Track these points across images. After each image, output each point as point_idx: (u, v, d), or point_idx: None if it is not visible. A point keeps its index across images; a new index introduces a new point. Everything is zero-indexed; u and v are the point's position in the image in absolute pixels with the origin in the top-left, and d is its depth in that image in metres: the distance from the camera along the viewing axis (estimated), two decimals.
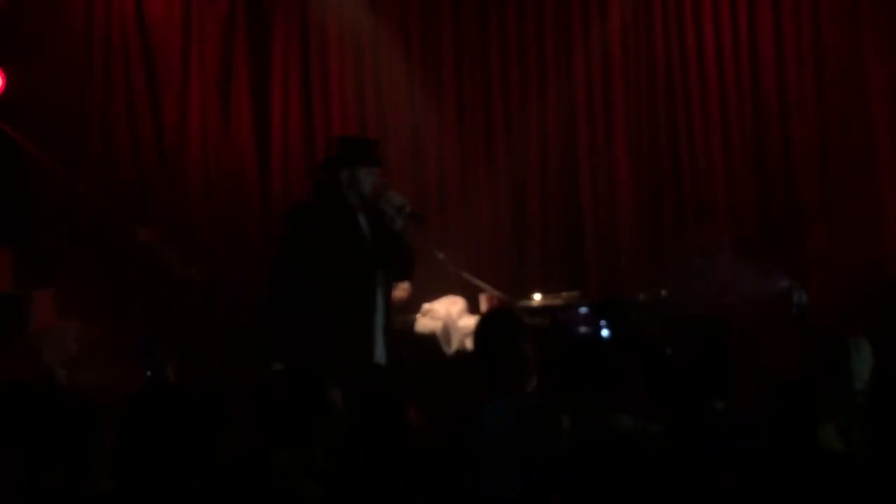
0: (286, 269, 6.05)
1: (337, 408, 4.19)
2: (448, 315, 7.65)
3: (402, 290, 8.12)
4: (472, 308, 7.80)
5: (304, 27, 9.28)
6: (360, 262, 6.02)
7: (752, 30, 9.00)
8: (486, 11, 9.26)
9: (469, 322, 7.61)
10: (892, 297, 7.97)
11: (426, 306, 7.77)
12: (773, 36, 8.96)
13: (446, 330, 7.54)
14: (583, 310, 6.32)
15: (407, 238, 6.12)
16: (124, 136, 9.02)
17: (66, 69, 8.95)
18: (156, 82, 9.11)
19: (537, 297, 7.81)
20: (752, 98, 9.00)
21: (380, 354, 6.01)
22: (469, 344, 7.46)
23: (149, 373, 5.23)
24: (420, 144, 9.27)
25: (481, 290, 7.87)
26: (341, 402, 4.21)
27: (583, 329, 6.46)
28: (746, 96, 9.00)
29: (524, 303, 7.77)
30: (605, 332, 5.92)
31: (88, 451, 3.56)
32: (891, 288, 8.09)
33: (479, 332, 4.64)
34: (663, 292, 7.75)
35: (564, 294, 7.76)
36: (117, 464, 3.61)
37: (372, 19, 9.24)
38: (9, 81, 8.49)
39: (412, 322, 7.68)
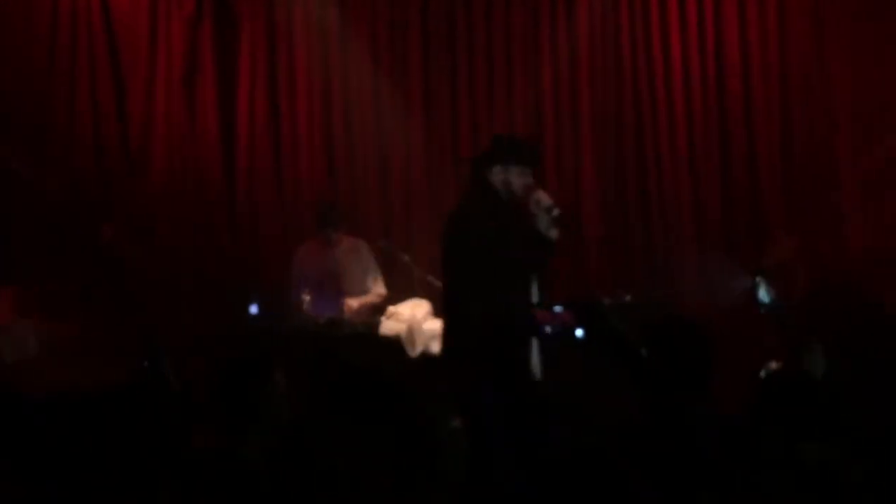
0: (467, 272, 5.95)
1: (281, 390, 4.19)
2: (413, 318, 7.63)
3: (382, 293, 8.15)
4: (437, 311, 7.77)
5: (270, 26, 9.27)
6: (516, 262, 5.93)
7: (718, 34, 9.04)
8: (454, 9, 9.26)
9: (434, 325, 7.58)
10: (849, 304, 8.04)
11: (391, 309, 7.75)
12: (738, 41, 9.01)
13: (411, 333, 7.52)
14: (557, 309, 6.31)
15: (551, 240, 6.03)
16: (89, 134, 8.99)
17: (31, 68, 8.90)
18: (121, 80, 9.08)
19: None
20: (717, 101, 9.05)
21: (535, 357, 5.91)
22: (434, 347, 7.45)
23: (147, 365, 5.17)
24: (386, 144, 9.26)
25: None
26: (285, 385, 4.20)
27: (558, 328, 6.45)
28: (712, 98, 9.04)
29: None
30: (579, 332, 5.95)
31: None
32: (849, 295, 8.16)
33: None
34: (627, 297, 7.76)
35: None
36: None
37: (339, 18, 9.23)
38: None
39: (377, 324, 7.66)
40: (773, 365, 5.65)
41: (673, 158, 9.09)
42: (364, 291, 8.11)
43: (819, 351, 5.06)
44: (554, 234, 5.86)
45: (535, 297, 5.91)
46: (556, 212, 5.90)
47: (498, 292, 5.65)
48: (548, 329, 6.26)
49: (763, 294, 6.86)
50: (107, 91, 9.04)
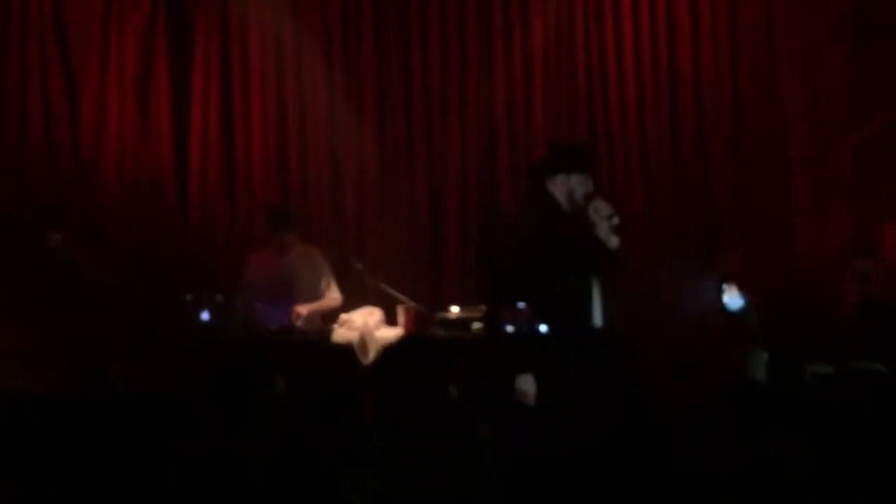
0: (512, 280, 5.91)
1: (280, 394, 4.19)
2: (365, 326, 7.60)
3: (335, 299, 8.13)
4: (390, 319, 7.77)
5: (225, 32, 9.26)
6: (576, 269, 5.90)
7: (671, 47, 9.08)
8: (408, 16, 9.26)
9: (386, 333, 7.57)
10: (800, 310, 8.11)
11: (343, 317, 7.72)
12: (691, 55, 9.06)
13: (363, 341, 7.49)
14: (521, 305, 6.31)
15: (611, 247, 5.99)
16: (40, 139, 8.91)
17: None
18: (73, 85, 9.01)
19: (455, 309, 7.80)
20: (669, 112, 9.08)
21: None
22: None
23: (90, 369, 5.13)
24: (340, 151, 9.25)
25: (399, 302, 7.85)
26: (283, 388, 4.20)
27: (521, 325, 6.44)
28: (664, 111, 9.08)
29: (442, 315, 7.76)
30: (542, 328, 5.93)
31: None
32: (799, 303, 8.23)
33: None
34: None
35: (483, 307, 7.75)
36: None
37: (293, 25, 9.22)
38: None
39: (329, 332, 7.63)
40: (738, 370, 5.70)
41: (626, 168, 9.11)
42: (317, 298, 8.10)
43: (761, 357, 5.10)
44: (614, 241, 5.88)
45: (598, 307, 5.90)
46: (615, 220, 5.92)
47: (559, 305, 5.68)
48: (509, 328, 6.26)
49: (730, 300, 6.84)
50: (59, 94, 8.98)
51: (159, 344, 7.41)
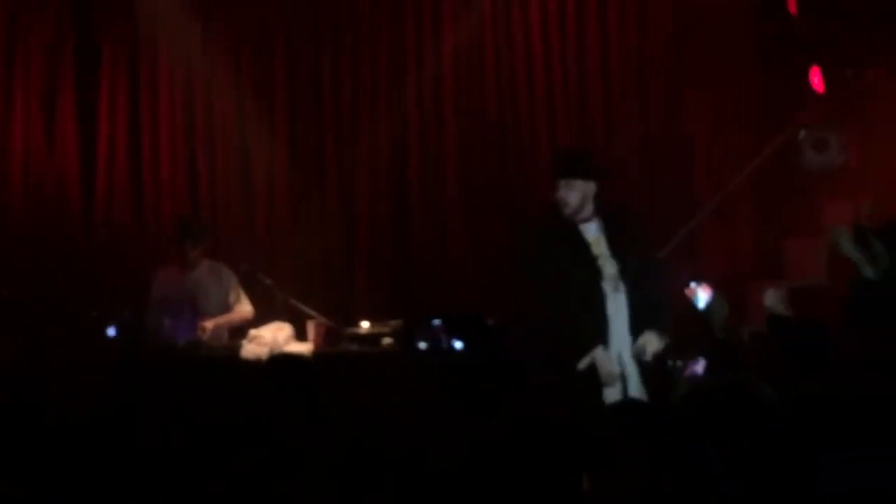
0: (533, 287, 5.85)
1: None
2: (274, 341, 7.54)
3: (245, 312, 8.07)
4: (299, 335, 7.73)
5: (133, 49, 9.21)
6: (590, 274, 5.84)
7: (581, 66, 9.15)
8: (319, 31, 9.25)
9: (296, 349, 7.54)
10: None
11: (252, 332, 7.66)
12: (601, 73, 9.14)
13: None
14: (436, 322, 6.30)
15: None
16: None
17: None
18: None
19: (365, 324, 7.79)
20: (580, 129, 9.13)
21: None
22: None
23: None
24: (250, 170, 9.21)
25: (309, 317, 7.82)
26: None
27: (435, 341, 6.44)
28: (575, 128, 9.14)
29: (352, 330, 7.75)
30: (457, 345, 5.92)
31: None
32: None
33: None
34: (490, 321, 7.78)
35: (393, 322, 7.75)
36: None
37: (203, 40, 9.18)
38: None
39: (238, 348, 7.57)
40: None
41: (539, 189, 9.15)
42: (226, 313, 8.05)
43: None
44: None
45: (621, 325, 5.82)
46: None
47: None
48: (422, 344, 6.24)
49: (697, 298, 6.83)
50: None
51: (67, 361, 7.29)
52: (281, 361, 4.93)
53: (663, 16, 9.04)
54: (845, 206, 8.14)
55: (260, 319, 7.84)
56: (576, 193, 5.83)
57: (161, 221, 9.08)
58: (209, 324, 7.83)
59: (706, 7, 8.98)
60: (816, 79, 8.33)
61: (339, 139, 9.25)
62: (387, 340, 7.53)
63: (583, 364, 5.47)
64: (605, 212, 5.92)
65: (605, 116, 9.12)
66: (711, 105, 9.00)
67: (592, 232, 5.89)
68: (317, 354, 7.51)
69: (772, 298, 5.70)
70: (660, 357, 5.53)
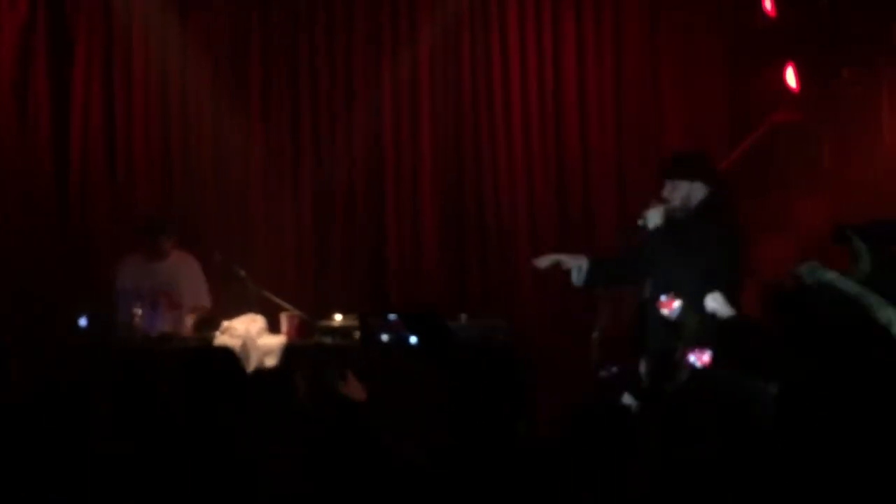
0: None
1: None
2: (247, 333, 7.55)
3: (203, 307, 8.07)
4: (273, 327, 7.73)
5: (108, 36, 9.14)
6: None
7: (557, 72, 9.15)
8: (297, 25, 9.21)
9: (268, 341, 7.55)
10: None
11: (225, 324, 7.66)
12: (576, 74, 9.14)
13: (245, 348, 7.43)
14: (392, 317, 6.32)
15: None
16: None
17: None
18: None
19: (338, 317, 7.79)
20: (555, 133, 9.12)
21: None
22: (268, 362, 7.39)
23: None
24: (224, 161, 9.16)
25: (282, 309, 7.81)
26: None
27: (392, 335, 6.46)
28: (550, 131, 9.10)
29: (325, 322, 7.75)
30: (413, 339, 5.95)
31: None
32: None
33: None
34: (463, 317, 7.79)
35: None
36: None
37: (180, 33, 9.12)
38: None
39: (211, 339, 7.56)
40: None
41: (511, 188, 9.14)
42: (201, 304, 8.05)
43: None
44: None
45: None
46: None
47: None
48: (384, 337, 6.27)
49: (669, 312, 6.84)
50: None
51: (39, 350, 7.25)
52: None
53: (639, 20, 9.05)
54: (819, 204, 8.17)
55: (233, 311, 7.83)
56: (679, 192, 6.09)
57: (135, 209, 9.03)
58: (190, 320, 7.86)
59: (680, 6, 9.00)
60: (791, 78, 8.35)
61: (315, 132, 9.21)
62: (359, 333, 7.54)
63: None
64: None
65: (581, 118, 9.12)
66: (685, 103, 9.00)
67: None
68: (289, 346, 7.53)
69: (712, 303, 5.72)
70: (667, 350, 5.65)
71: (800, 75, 8.36)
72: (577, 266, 6.22)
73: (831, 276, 5.32)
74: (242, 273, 8.01)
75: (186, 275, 8.08)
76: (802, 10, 8.39)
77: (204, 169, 9.17)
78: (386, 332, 6.35)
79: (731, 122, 8.94)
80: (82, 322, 7.56)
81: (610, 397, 5.29)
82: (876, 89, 8.32)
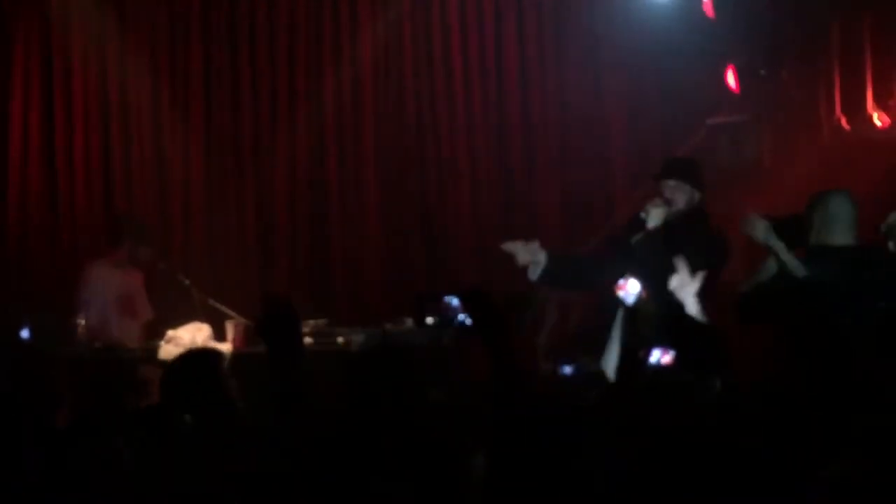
0: None
1: None
2: (193, 342, 7.48)
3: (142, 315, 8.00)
4: (218, 335, 7.67)
5: (46, 45, 9.12)
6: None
7: (498, 58, 9.15)
8: (238, 30, 9.18)
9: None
10: None
11: (170, 333, 7.60)
12: (518, 71, 9.15)
13: None
14: (454, 301, 6.28)
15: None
16: None
17: None
18: None
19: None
20: (497, 136, 9.14)
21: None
22: None
23: None
24: (166, 168, 9.15)
25: (227, 318, 7.75)
26: None
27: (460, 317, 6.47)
28: (492, 133, 9.13)
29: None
30: (462, 318, 5.92)
31: None
32: None
33: None
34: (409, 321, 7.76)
35: (311, 322, 7.70)
36: None
37: (119, 40, 9.07)
38: None
39: (156, 348, 7.49)
40: None
41: (455, 193, 9.14)
42: (146, 313, 8.00)
43: None
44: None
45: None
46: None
47: None
48: (430, 319, 6.25)
49: (625, 295, 6.84)
50: None
51: None
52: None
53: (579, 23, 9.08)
54: (760, 203, 8.24)
55: (178, 320, 7.76)
56: (682, 196, 6.16)
57: (75, 217, 8.94)
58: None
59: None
60: (731, 79, 8.42)
61: (257, 137, 9.18)
62: (307, 340, 7.47)
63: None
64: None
65: (524, 116, 9.12)
66: (626, 102, 9.04)
67: None
68: (236, 354, 7.46)
69: (676, 282, 5.76)
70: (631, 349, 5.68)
71: (739, 76, 8.43)
72: (535, 261, 6.22)
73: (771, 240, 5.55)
74: (186, 282, 7.95)
75: (139, 284, 8.03)
76: (742, 11, 8.46)
77: (146, 178, 9.11)
78: (436, 313, 6.31)
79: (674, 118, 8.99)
80: (24, 334, 7.43)
81: (567, 396, 5.29)
82: (814, 90, 8.41)
